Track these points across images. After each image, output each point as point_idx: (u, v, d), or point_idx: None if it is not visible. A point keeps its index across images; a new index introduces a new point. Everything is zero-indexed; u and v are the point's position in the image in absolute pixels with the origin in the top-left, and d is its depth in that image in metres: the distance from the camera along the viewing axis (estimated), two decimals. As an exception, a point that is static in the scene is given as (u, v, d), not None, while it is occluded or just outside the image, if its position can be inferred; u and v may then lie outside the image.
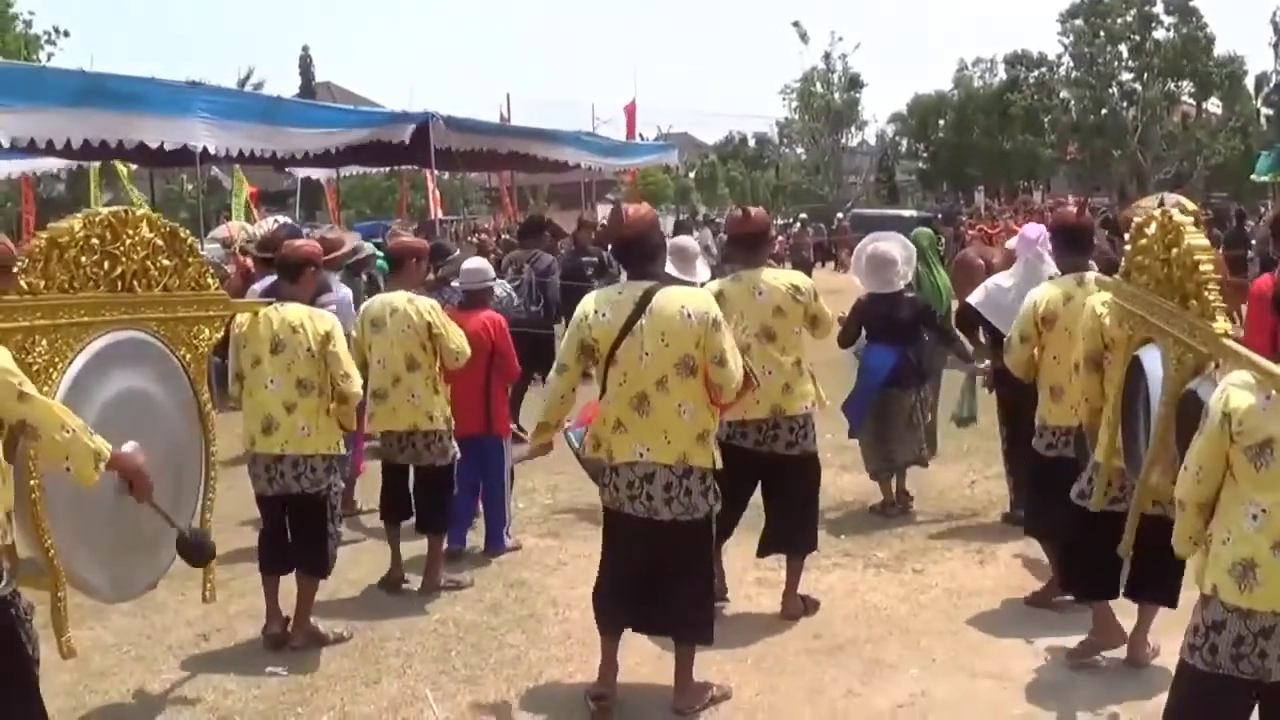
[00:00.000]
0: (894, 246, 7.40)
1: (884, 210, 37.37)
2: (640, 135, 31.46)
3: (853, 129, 53.05)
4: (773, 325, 5.49)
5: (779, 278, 5.66)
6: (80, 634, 4.55)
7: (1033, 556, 6.19)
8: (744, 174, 54.93)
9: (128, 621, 5.73)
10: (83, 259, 4.28)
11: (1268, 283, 5.32)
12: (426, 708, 4.82)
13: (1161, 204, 6.68)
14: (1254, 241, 15.29)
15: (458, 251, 8.89)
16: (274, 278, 6.45)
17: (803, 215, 37.85)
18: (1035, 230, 6.73)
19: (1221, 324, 3.62)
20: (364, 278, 9.15)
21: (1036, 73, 50.68)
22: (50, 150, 12.06)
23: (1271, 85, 47.47)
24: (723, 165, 55.28)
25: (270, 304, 5.45)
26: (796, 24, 49.07)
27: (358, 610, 5.93)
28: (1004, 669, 4.97)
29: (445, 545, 6.45)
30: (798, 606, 5.68)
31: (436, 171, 19.02)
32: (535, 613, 5.85)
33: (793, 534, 5.75)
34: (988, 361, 6.80)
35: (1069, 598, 5.35)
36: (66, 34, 24.84)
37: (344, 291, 7.58)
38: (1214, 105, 49.63)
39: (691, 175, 52.55)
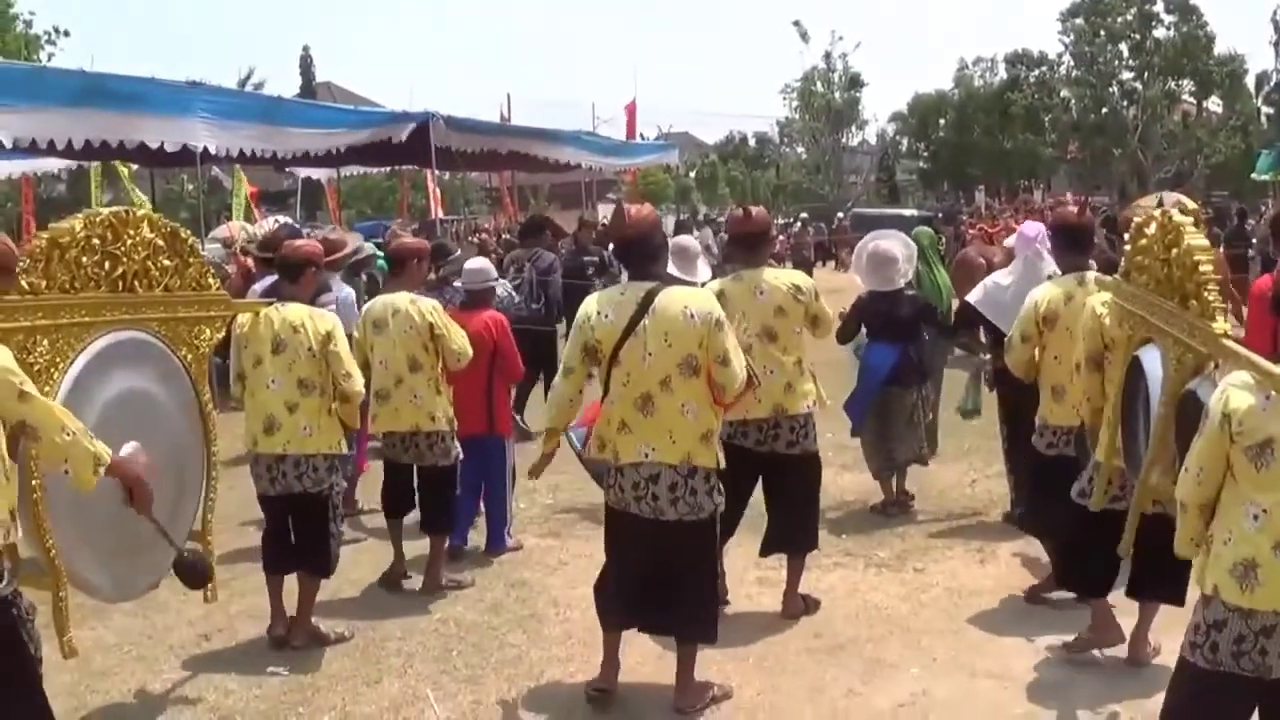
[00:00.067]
0: (895, 244, 7.41)
1: (884, 209, 37.35)
2: (641, 135, 31.46)
3: (853, 128, 53.15)
4: (774, 325, 5.49)
5: (780, 277, 5.67)
6: (82, 634, 4.55)
7: (1033, 555, 6.19)
8: (744, 173, 54.97)
9: (129, 621, 5.73)
10: (84, 259, 4.28)
11: (1268, 283, 5.33)
12: (428, 707, 4.82)
13: (1160, 203, 6.66)
14: (1254, 240, 15.31)
15: (459, 251, 8.89)
16: (274, 278, 6.45)
17: (803, 215, 37.82)
18: (1034, 228, 6.73)
19: (1221, 324, 3.62)
20: (363, 278, 9.15)
21: (1037, 72, 50.69)
22: (51, 150, 12.07)
23: (1272, 84, 47.45)
24: (723, 165, 55.33)
25: (271, 304, 5.46)
26: (797, 23, 49.22)
27: (359, 610, 5.94)
28: (1005, 668, 4.97)
29: (447, 544, 6.45)
30: (799, 606, 5.68)
31: (437, 171, 19.03)
32: (536, 612, 5.85)
33: (793, 533, 5.75)
34: (989, 354, 6.80)
35: (1069, 595, 5.35)
36: (67, 34, 24.91)
37: (346, 291, 7.58)
38: (1214, 104, 49.63)
39: (692, 175, 52.60)
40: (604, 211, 25.14)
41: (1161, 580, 4.55)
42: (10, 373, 3.46)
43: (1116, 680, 4.77)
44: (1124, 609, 4.94)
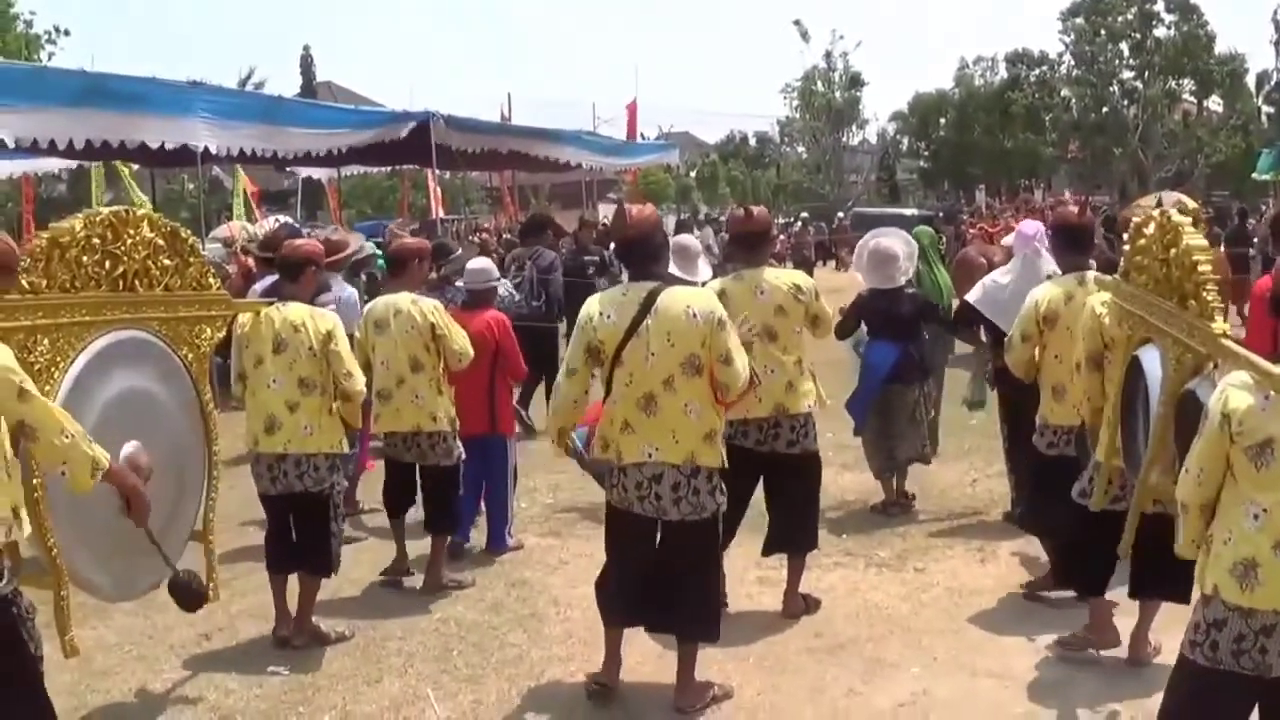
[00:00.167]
0: (896, 242, 7.41)
1: (885, 209, 37.28)
2: (641, 134, 31.48)
3: (854, 128, 53.18)
4: (774, 324, 5.49)
5: (780, 277, 5.67)
6: (82, 633, 4.56)
7: (1034, 555, 6.18)
8: (745, 173, 54.94)
9: (130, 621, 5.73)
10: (84, 258, 4.29)
11: (1269, 284, 5.33)
12: (428, 707, 4.82)
13: (1160, 203, 6.67)
14: (1255, 240, 15.31)
15: (460, 251, 8.90)
16: (275, 277, 6.46)
17: (804, 214, 37.82)
18: (1032, 226, 6.74)
19: (1220, 324, 3.63)
20: (363, 277, 9.16)
21: (1038, 71, 50.66)
22: (52, 150, 12.08)
23: (1273, 83, 47.42)
24: (724, 164, 55.28)
25: (272, 304, 5.46)
26: (797, 23, 49.24)
27: (359, 609, 5.94)
28: (1005, 667, 4.97)
29: (449, 541, 6.47)
30: (799, 605, 5.68)
31: (438, 171, 19.02)
32: (537, 612, 5.85)
33: (794, 533, 5.75)
34: (989, 354, 6.79)
35: (1068, 594, 5.35)
36: (67, 33, 24.91)
37: (349, 291, 7.59)
38: (1215, 103, 49.59)
39: (693, 174, 52.56)
40: (604, 211, 25.17)
41: (1162, 580, 4.55)
42: (11, 371, 3.47)
43: (1117, 679, 4.77)
44: (1125, 608, 4.95)
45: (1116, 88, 48.33)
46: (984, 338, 6.90)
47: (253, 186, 20.98)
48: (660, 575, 4.63)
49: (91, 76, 11.52)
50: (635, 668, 4.93)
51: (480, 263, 7.33)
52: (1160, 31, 47.51)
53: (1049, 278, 5.64)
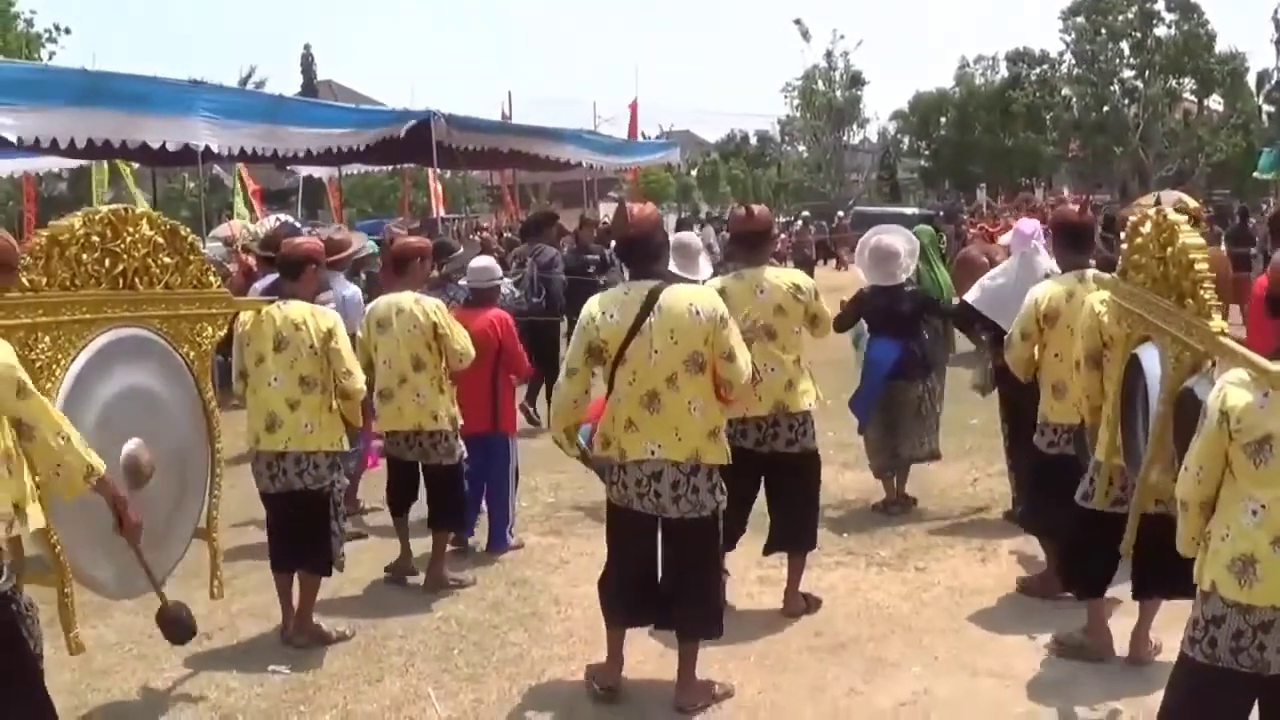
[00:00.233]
0: (898, 240, 7.41)
1: (885, 208, 37.17)
2: (642, 133, 31.50)
3: (854, 126, 53.16)
4: (773, 324, 5.49)
5: (780, 276, 5.67)
6: (83, 632, 4.53)
7: (1036, 555, 6.17)
8: (746, 172, 54.92)
9: (130, 619, 5.72)
10: (84, 256, 4.29)
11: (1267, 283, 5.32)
12: (429, 706, 4.82)
13: (1158, 202, 6.67)
14: (1257, 239, 15.30)
15: (461, 250, 8.90)
16: (276, 276, 6.46)
17: (805, 213, 37.80)
18: (1030, 225, 6.74)
19: (1217, 322, 3.63)
20: (363, 276, 9.15)
21: (1038, 70, 50.67)
22: (54, 149, 12.08)
23: (1273, 82, 47.41)
24: (724, 163, 55.29)
25: (273, 302, 5.46)
26: (798, 22, 49.18)
27: (360, 608, 5.94)
28: (1006, 667, 4.97)
29: (453, 538, 6.48)
30: (800, 604, 5.68)
31: (439, 170, 19.02)
32: (537, 611, 5.85)
33: (794, 532, 5.75)
34: (989, 353, 6.78)
35: (1068, 595, 5.35)
36: (68, 31, 24.98)
37: (352, 289, 7.59)
38: (1216, 102, 49.59)
39: (693, 173, 52.59)
40: (605, 210, 25.18)
41: (1163, 579, 4.55)
42: (11, 368, 3.47)
43: (1117, 678, 4.76)
44: (1127, 607, 4.95)
45: (1117, 87, 48.35)
46: (983, 336, 6.89)
47: (254, 185, 20.96)
48: (660, 573, 4.64)
49: (93, 76, 11.52)
50: (636, 666, 4.93)
51: (483, 261, 7.33)
52: (1161, 30, 47.54)
53: (1047, 276, 5.64)
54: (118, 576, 4.50)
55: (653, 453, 4.48)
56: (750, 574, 6.08)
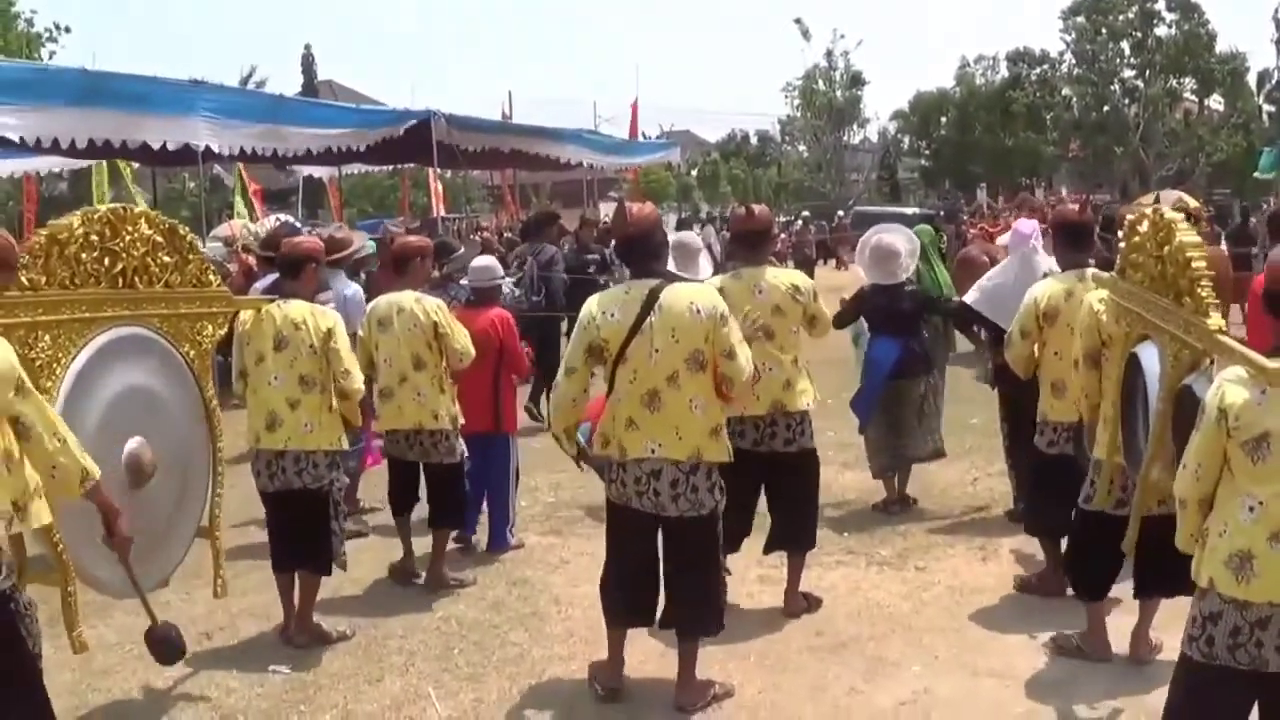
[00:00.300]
0: (899, 238, 7.40)
1: (886, 207, 37.22)
2: (642, 133, 31.49)
3: (855, 126, 53.19)
4: (771, 324, 5.48)
5: (780, 277, 5.66)
6: (84, 631, 4.53)
7: (1036, 554, 6.16)
8: (746, 172, 54.96)
9: (131, 619, 5.70)
10: (83, 255, 4.29)
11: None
12: (429, 706, 4.82)
13: (1158, 201, 6.67)
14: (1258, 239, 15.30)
15: (462, 250, 8.90)
16: (276, 276, 6.46)
17: (805, 213, 37.80)
18: (1028, 226, 6.74)
19: (1215, 320, 3.63)
20: (363, 276, 9.14)
21: (1039, 70, 50.63)
22: (55, 149, 12.07)
23: (1274, 82, 47.36)
24: (725, 163, 55.34)
25: (273, 301, 5.47)
26: (798, 21, 49.20)
27: (360, 608, 5.94)
28: (1007, 666, 4.97)
29: (456, 535, 6.48)
30: (800, 604, 5.68)
31: (439, 170, 19.01)
32: (538, 611, 5.85)
33: (793, 531, 5.75)
34: (989, 352, 6.78)
35: (1067, 594, 5.34)
36: (68, 30, 24.93)
37: (354, 288, 7.59)
38: (1216, 102, 49.57)
39: (694, 173, 52.62)
40: (606, 210, 25.13)
41: (1164, 579, 4.55)
42: (11, 366, 3.46)
43: (1117, 678, 4.76)
44: (1127, 606, 4.94)
45: (1118, 86, 48.31)
46: (983, 336, 6.89)
47: (254, 185, 20.95)
48: (658, 571, 4.65)
49: (93, 76, 11.50)
50: (637, 666, 4.93)
51: (485, 261, 7.33)
52: (1161, 30, 47.49)
53: (1046, 275, 5.64)
54: (121, 576, 4.49)
55: (653, 451, 4.48)
56: (750, 573, 6.08)
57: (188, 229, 4.96)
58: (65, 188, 30.24)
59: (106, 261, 4.40)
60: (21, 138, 10.90)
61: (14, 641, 3.47)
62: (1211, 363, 3.64)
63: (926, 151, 54.82)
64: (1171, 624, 4.49)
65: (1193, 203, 9.39)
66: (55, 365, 4.11)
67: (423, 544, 6.38)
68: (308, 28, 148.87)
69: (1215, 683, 3.26)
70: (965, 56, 56.96)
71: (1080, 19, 47.99)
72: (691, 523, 4.55)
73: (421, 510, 6.43)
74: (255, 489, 5.56)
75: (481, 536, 6.89)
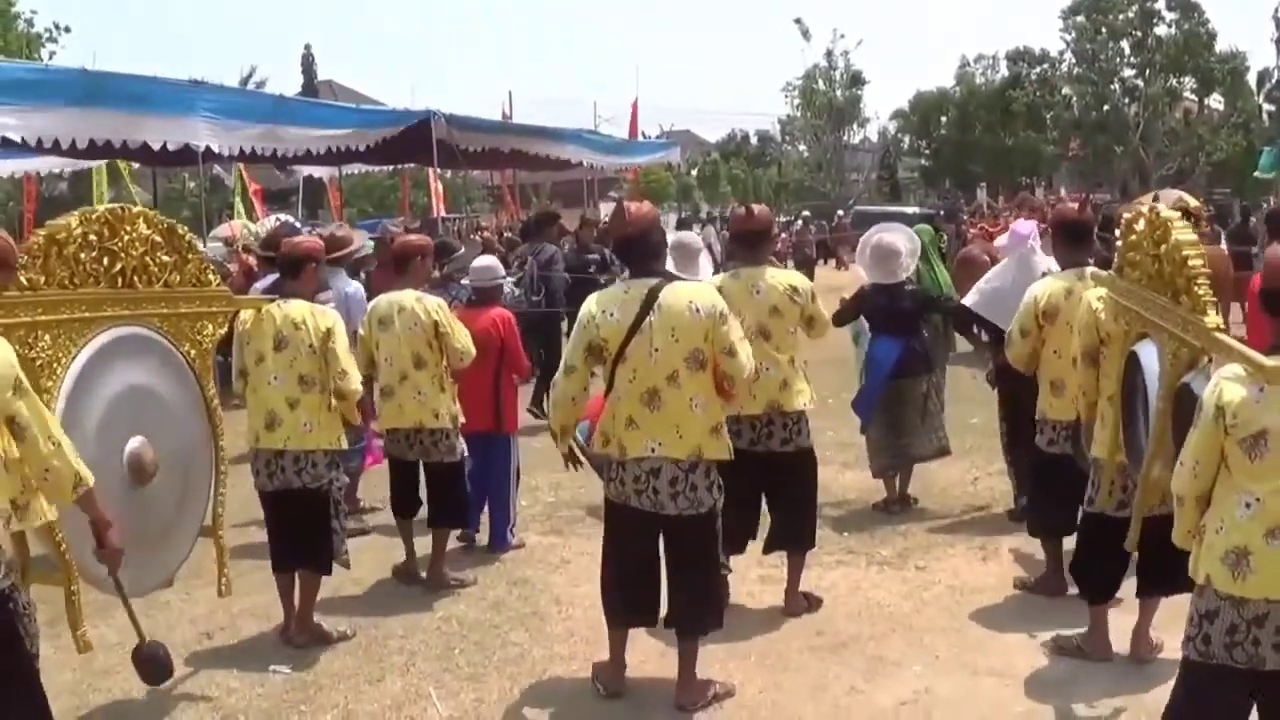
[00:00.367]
0: (899, 238, 7.40)
1: (886, 207, 37.22)
2: (642, 133, 31.48)
3: (855, 126, 53.22)
4: (768, 324, 5.50)
5: (778, 277, 5.66)
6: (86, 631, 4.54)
7: (1036, 554, 6.16)
8: (746, 171, 54.96)
9: (132, 619, 5.73)
10: (82, 255, 4.30)
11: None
12: (430, 705, 4.82)
13: (1156, 199, 6.67)
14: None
15: (463, 250, 8.90)
16: (276, 275, 6.46)
17: (805, 213, 37.79)
18: (1027, 226, 6.75)
19: (1212, 318, 3.64)
20: (363, 275, 9.14)
21: (1039, 69, 50.63)
22: (55, 150, 12.07)
23: (1273, 81, 47.35)
24: (725, 163, 55.34)
25: (273, 300, 5.47)
26: (798, 21, 49.22)
27: (361, 608, 5.94)
28: (1007, 665, 4.97)
29: (460, 533, 6.49)
30: (800, 604, 5.68)
31: (439, 170, 19.01)
32: (538, 610, 5.85)
33: (793, 531, 5.75)
34: (989, 353, 6.77)
35: (1069, 593, 5.34)
36: (68, 29, 24.92)
37: (355, 286, 7.59)
38: (1216, 101, 49.55)
39: (694, 173, 52.61)
40: (606, 210, 25.13)
41: (1165, 578, 4.55)
42: (10, 365, 3.46)
43: (1118, 677, 4.77)
44: (1127, 605, 4.94)
45: (1118, 86, 48.31)
46: (983, 337, 6.88)
47: (255, 185, 20.96)
48: (657, 570, 4.65)
49: (93, 76, 11.50)
50: (637, 666, 4.93)
51: (486, 260, 7.34)
52: (1161, 29, 47.48)
53: (1045, 274, 5.64)
54: (124, 575, 4.49)
55: (653, 450, 4.48)
56: (751, 573, 6.08)
57: (186, 228, 4.96)
58: (65, 188, 30.23)
59: (105, 261, 4.40)
60: (22, 138, 10.89)
61: (13, 641, 3.46)
62: (1209, 360, 3.65)
63: (926, 151, 54.82)
64: (1172, 623, 4.49)
65: (1193, 202, 9.35)
66: (55, 365, 4.11)
67: (423, 544, 6.38)
68: (308, 28, 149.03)
69: (1213, 682, 3.27)
70: (965, 56, 57.08)
71: (1080, 18, 47.97)
72: (690, 521, 4.56)
73: (422, 510, 6.42)
74: (253, 488, 5.56)
75: (482, 535, 6.89)
